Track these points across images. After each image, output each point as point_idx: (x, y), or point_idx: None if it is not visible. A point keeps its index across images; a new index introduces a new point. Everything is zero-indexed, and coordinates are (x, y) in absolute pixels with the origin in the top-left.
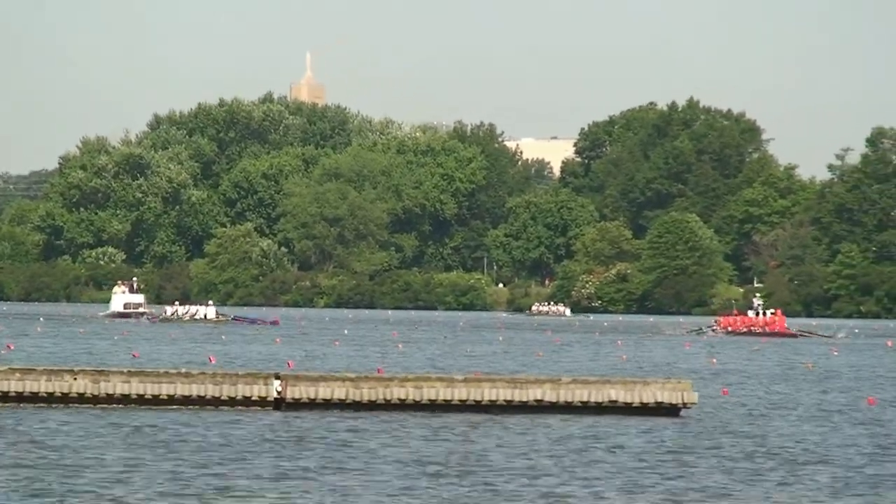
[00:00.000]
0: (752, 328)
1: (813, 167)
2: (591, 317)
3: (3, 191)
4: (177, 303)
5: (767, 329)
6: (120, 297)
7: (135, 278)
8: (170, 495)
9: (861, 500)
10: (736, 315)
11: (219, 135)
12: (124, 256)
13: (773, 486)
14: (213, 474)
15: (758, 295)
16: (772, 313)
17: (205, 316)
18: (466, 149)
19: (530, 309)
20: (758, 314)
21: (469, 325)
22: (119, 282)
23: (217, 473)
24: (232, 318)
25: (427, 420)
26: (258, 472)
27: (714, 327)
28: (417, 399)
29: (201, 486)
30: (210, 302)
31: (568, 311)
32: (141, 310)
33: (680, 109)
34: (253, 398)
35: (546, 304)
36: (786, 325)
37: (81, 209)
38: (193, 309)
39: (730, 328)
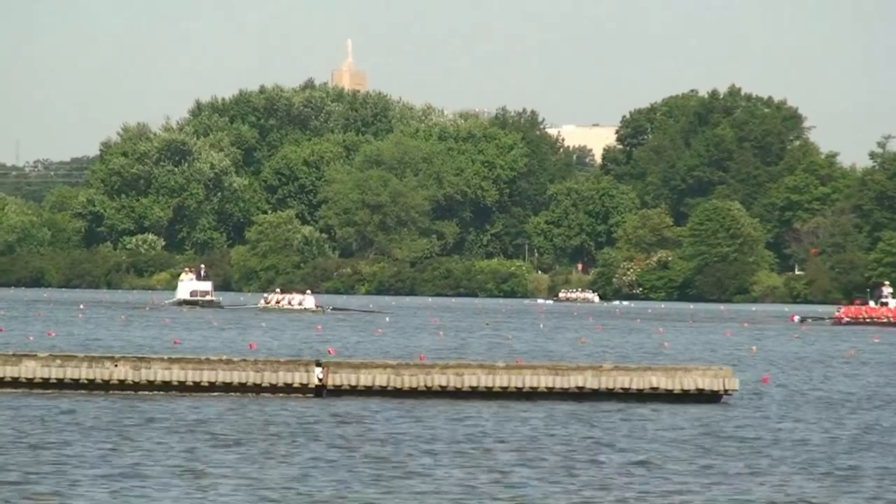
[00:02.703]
0: (875, 318)
1: (854, 154)
2: (624, 303)
3: (44, 177)
4: (278, 290)
5: (893, 319)
6: (187, 284)
7: (202, 265)
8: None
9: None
10: (858, 304)
11: (259, 121)
12: (164, 243)
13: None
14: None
15: (887, 283)
16: None
17: (302, 305)
18: (507, 135)
19: (558, 296)
20: (885, 304)
21: (496, 311)
22: (186, 269)
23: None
24: (331, 309)
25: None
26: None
27: (838, 316)
28: (459, 386)
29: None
30: (308, 291)
31: (596, 298)
32: (209, 297)
33: (721, 97)
34: (294, 385)
35: (574, 290)
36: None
37: (122, 196)
38: (294, 298)
39: (850, 318)
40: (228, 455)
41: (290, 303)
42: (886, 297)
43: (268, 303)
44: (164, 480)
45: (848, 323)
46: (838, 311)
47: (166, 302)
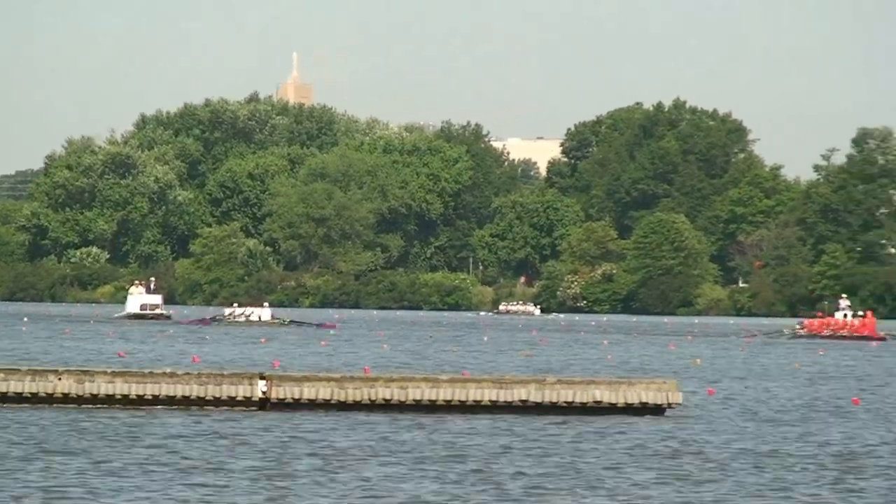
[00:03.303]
0: (836, 331)
1: (798, 167)
2: (561, 315)
3: None
4: (235, 305)
5: (853, 332)
6: (136, 298)
7: (152, 278)
8: None
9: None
10: (820, 317)
11: (204, 135)
12: (108, 256)
13: (743, 484)
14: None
15: (844, 296)
16: (861, 316)
17: (259, 318)
18: (452, 149)
19: (498, 308)
20: (846, 316)
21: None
22: (136, 282)
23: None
24: (289, 322)
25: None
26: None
27: (798, 330)
28: (402, 399)
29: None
30: (266, 304)
31: (537, 311)
32: (158, 311)
33: (666, 109)
34: (238, 398)
35: (515, 303)
36: (875, 328)
37: (67, 209)
38: (248, 311)
39: (813, 331)
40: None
41: (247, 316)
42: (844, 309)
43: (225, 315)
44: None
45: (811, 336)
46: (799, 325)
47: (115, 315)
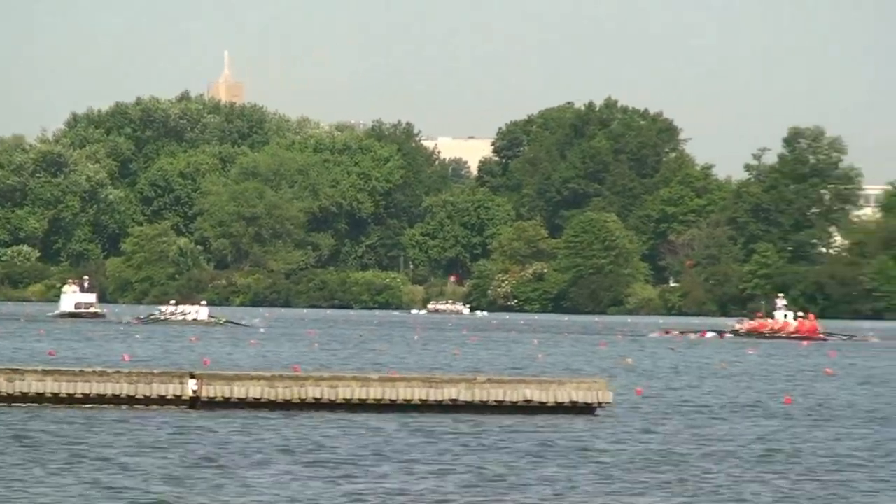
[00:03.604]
0: (779, 331)
1: (730, 167)
2: (490, 315)
3: None
4: (172, 302)
5: (795, 332)
6: (70, 297)
7: (86, 277)
8: None
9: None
10: (760, 317)
11: (136, 133)
12: (39, 255)
13: (670, 484)
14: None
15: (781, 295)
16: (801, 316)
17: (196, 317)
18: (383, 148)
19: (427, 307)
20: (785, 316)
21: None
22: (69, 280)
23: None
24: (225, 322)
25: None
26: None
27: (738, 329)
28: (332, 398)
29: None
30: (203, 302)
31: (466, 310)
32: (93, 309)
33: (597, 109)
34: (168, 397)
35: (444, 302)
36: (817, 328)
37: None
38: (186, 310)
39: (753, 331)
40: None
41: (184, 315)
42: (781, 308)
43: (162, 314)
44: None
45: (748, 335)
46: (739, 324)
47: (49, 314)
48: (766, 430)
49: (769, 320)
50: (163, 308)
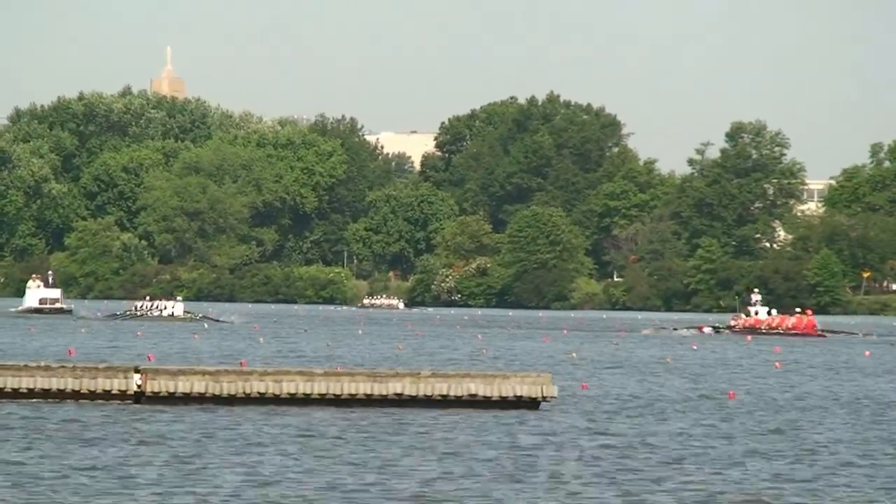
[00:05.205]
0: (775, 328)
1: (673, 161)
2: (430, 310)
3: None
4: (147, 297)
5: (793, 329)
6: (35, 292)
7: (50, 272)
8: None
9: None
10: (742, 312)
11: (79, 128)
12: None
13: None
14: None
15: (756, 290)
16: (799, 312)
17: (171, 313)
18: (327, 142)
19: (362, 302)
20: (758, 312)
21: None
22: (33, 276)
23: None
24: (201, 316)
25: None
26: None
27: (734, 325)
28: (277, 393)
29: None
30: (178, 298)
31: (401, 305)
32: (58, 305)
33: (540, 104)
34: (113, 392)
35: (379, 296)
36: (815, 324)
37: None
38: (163, 306)
39: (750, 327)
40: None
41: (159, 310)
42: (756, 304)
43: (136, 310)
44: None
45: (744, 331)
46: (735, 321)
47: (12, 310)
48: (698, 425)
49: (743, 316)
50: (138, 304)
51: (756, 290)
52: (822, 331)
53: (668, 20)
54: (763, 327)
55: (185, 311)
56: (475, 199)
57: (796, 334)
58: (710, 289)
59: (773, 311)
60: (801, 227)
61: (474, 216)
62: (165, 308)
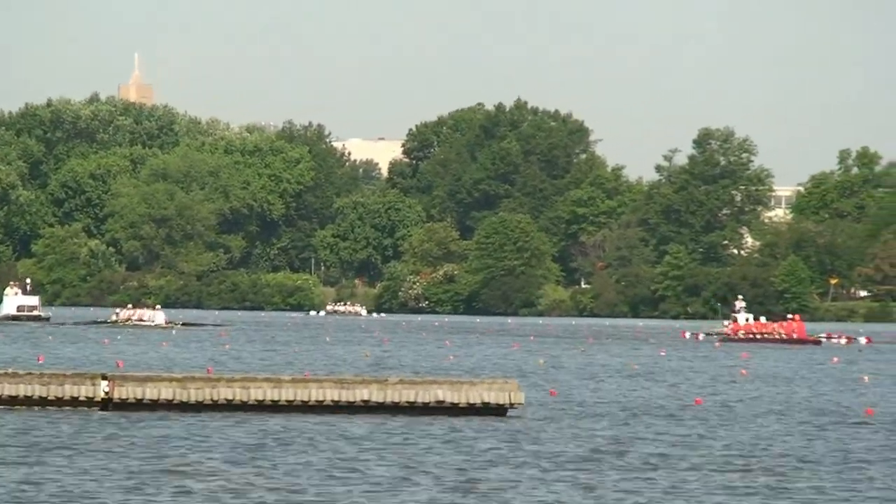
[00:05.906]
0: (764, 334)
1: (640, 168)
2: (384, 315)
3: None
4: (129, 306)
5: (787, 335)
6: (13, 300)
7: (28, 279)
8: None
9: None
10: (731, 321)
11: (46, 135)
12: None
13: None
14: None
15: (740, 297)
16: (789, 318)
17: (153, 322)
18: (294, 149)
19: (325, 309)
20: (747, 319)
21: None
22: (11, 283)
23: None
24: (181, 325)
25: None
26: None
27: (727, 332)
28: (245, 399)
29: None
30: (158, 307)
31: (364, 311)
32: (36, 312)
33: (507, 110)
34: (80, 398)
35: (342, 303)
36: (805, 330)
37: None
38: (145, 315)
39: (741, 333)
40: None
41: (140, 319)
42: (739, 310)
43: (118, 318)
44: None
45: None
46: (726, 328)
47: None
48: (667, 430)
49: (726, 322)
50: (119, 312)
51: (740, 296)
52: (819, 337)
53: (639, 27)
54: (758, 334)
55: (166, 321)
56: (443, 205)
57: (791, 341)
58: (678, 295)
59: (751, 318)
60: (769, 234)
61: (442, 223)
62: (146, 317)
